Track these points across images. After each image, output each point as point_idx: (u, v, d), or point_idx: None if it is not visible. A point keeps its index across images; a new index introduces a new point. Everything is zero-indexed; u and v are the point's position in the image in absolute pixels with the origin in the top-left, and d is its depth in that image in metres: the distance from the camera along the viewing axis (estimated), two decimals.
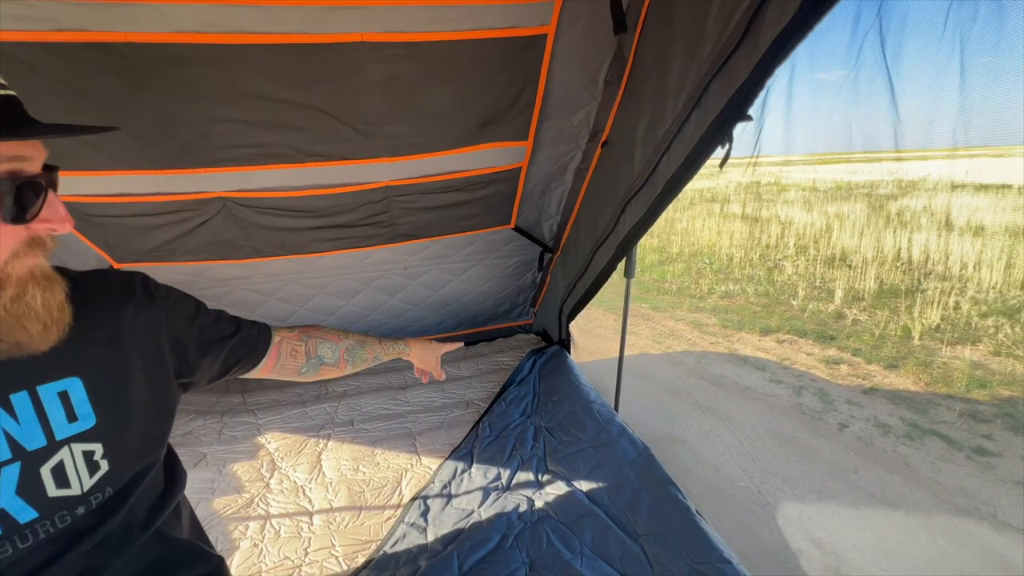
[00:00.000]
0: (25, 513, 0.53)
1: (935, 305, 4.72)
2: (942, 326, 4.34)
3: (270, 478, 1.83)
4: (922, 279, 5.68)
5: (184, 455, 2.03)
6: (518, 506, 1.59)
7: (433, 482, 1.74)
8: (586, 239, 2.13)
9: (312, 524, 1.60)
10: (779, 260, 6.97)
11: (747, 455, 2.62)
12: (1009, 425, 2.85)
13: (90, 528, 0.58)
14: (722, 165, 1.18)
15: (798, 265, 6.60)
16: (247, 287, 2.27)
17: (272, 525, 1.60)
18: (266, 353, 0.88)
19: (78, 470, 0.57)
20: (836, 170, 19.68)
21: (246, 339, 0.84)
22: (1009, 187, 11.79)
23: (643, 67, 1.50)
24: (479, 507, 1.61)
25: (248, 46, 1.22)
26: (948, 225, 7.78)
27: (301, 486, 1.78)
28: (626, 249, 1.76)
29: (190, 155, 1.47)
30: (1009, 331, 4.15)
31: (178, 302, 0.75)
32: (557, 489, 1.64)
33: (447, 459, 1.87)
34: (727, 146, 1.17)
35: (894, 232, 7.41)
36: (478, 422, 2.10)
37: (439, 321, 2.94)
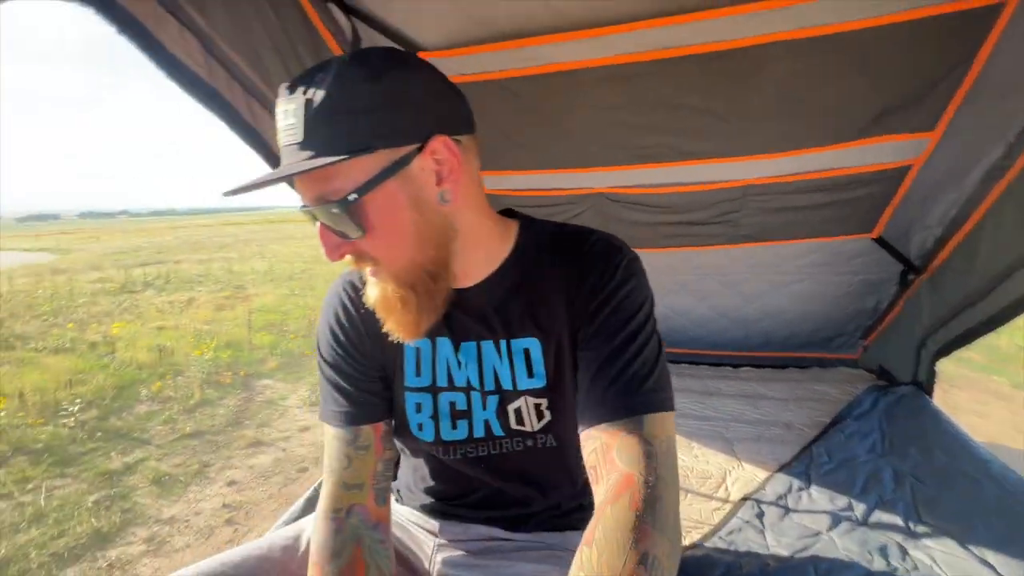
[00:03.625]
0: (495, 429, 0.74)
1: None
2: None
3: None
4: None
5: None
6: (884, 547, 1.37)
7: (764, 489, 1.66)
8: (994, 256, 1.69)
9: None
10: None
11: None
12: None
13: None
14: None
15: None
16: None
17: None
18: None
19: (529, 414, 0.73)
20: None
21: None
22: None
23: None
24: (828, 531, 1.45)
25: (669, 59, 1.45)
26: None
27: None
28: None
29: (592, 156, 1.83)
30: None
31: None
32: (942, 545, 1.35)
33: (777, 472, 1.76)
34: None
35: None
36: (810, 444, 1.90)
37: (744, 336, 2.80)
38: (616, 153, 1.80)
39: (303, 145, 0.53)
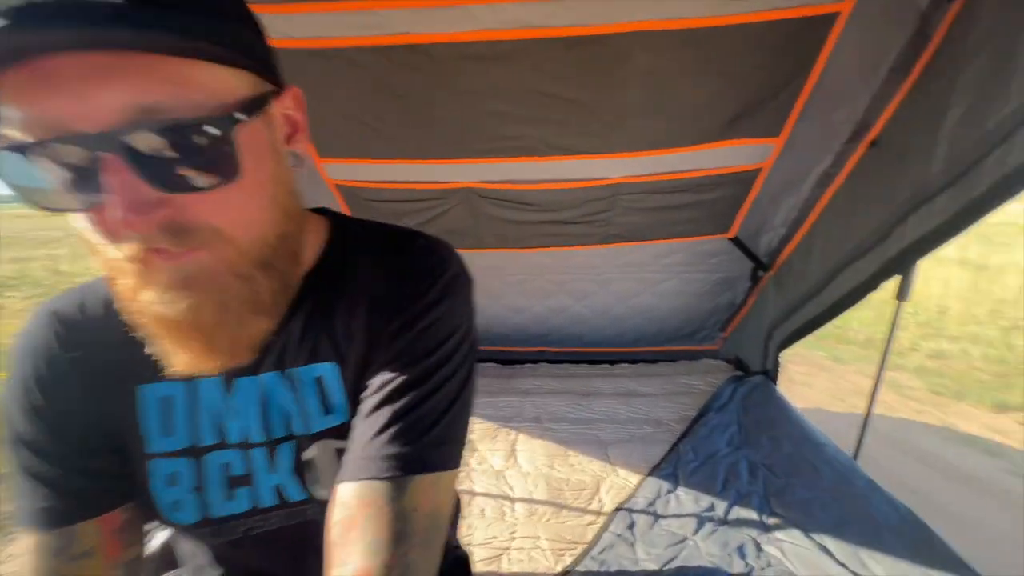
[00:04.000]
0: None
1: None
2: None
3: (470, 457, 1.91)
4: None
5: None
6: (742, 546, 1.39)
7: (636, 496, 1.63)
8: (825, 255, 1.85)
9: (515, 511, 1.60)
10: (1020, 320, 5.45)
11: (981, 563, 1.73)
12: None
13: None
14: None
15: None
16: None
17: (477, 503, 1.65)
18: None
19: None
20: None
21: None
22: None
23: (959, 47, 1.25)
24: (693, 534, 1.45)
25: (533, 40, 1.31)
26: None
27: (499, 471, 1.81)
28: (903, 265, 1.47)
29: (457, 145, 1.63)
30: None
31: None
32: (790, 536, 1.40)
33: (648, 475, 1.74)
34: None
35: None
36: (677, 443, 1.93)
37: (618, 334, 2.85)
38: (486, 144, 1.63)
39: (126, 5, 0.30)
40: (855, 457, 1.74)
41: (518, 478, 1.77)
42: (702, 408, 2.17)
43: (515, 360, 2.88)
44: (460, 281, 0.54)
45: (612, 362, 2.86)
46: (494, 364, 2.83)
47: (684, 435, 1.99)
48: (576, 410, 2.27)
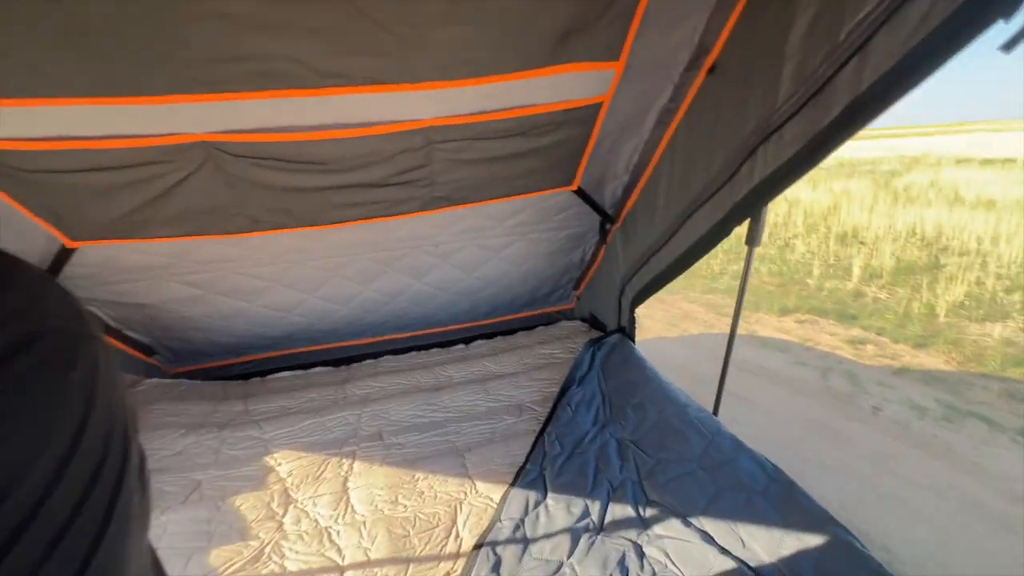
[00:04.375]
0: None
1: (958, 281, 4.46)
2: (967, 303, 4.12)
3: (283, 516, 1.41)
4: (939, 255, 5.41)
5: (175, 483, 1.63)
6: (623, 557, 1.17)
7: (500, 520, 1.33)
8: (671, 201, 1.68)
9: None
10: (790, 239, 6.67)
11: (780, 443, 2.24)
12: None
13: None
14: (1009, 48, 0.74)
15: (810, 243, 6.30)
16: (243, 271, 1.81)
17: None
18: None
19: None
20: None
21: None
22: (1013, 161, 11.75)
23: None
24: (568, 557, 1.20)
25: None
26: (958, 199, 7.60)
27: (325, 527, 1.36)
28: (753, 207, 1.32)
29: (157, 74, 1.01)
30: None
31: None
32: (670, 530, 1.23)
33: (512, 486, 1.45)
34: (1011, 17, 0.73)
35: (903, 208, 7.20)
36: (541, 434, 1.68)
37: (471, 308, 2.51)
38: (215, 71, 1.04)
39: None
40: (715, 412, 1.67)
41: (350, 532, 1.33)
42: (564, 382, 1.95)
43: (352, 358, 2.37)
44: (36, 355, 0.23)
45: (467, 340, 2.53)
46: (324, 368, 2.29)
47: (548, 421, 1.75)
48: (426, 412, 1.89)
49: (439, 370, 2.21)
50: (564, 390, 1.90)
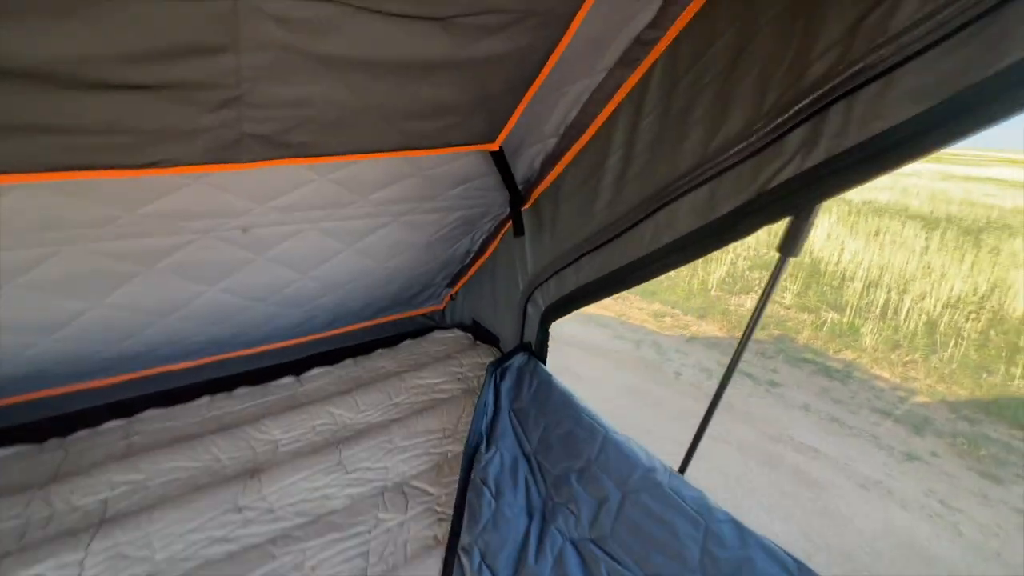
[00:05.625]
0: None
1: (720, 262, 5.35)
2: (726, 280, 4.96)
3: None
4: None
5: None
6: None
7: None
8: (629, 179, 1.17)
9: None
10: None
11: (607, 411, 2.29)
12: (785, 359, 3.41)
13: None
14: None
15: None
16: None
17: None
18: None
19: None
20: None
21: None
22: None
23: None
24: None
25: None
26: None
27: None
28: (788, 208, 0.87)
29: None
30: (765, 280, 5.03)
31: None
32: None
33: None
34: None
35: None
36: (453, 551, 1.02)
37: (301, 320, 1.65)
38: None
39: None
40: (682, 472, 1.26)
41: None
42: (467, 440, 1.32)
43: (68, 424, 1.31)
44: None
45: (298, 367, 1.67)
46: (14, 448, 1.19)
47: (457, 517, 1.10)
48: (230, 528, 1.05)
49: (253, 433, 1.34)
50: (470, 456, 1.26)
